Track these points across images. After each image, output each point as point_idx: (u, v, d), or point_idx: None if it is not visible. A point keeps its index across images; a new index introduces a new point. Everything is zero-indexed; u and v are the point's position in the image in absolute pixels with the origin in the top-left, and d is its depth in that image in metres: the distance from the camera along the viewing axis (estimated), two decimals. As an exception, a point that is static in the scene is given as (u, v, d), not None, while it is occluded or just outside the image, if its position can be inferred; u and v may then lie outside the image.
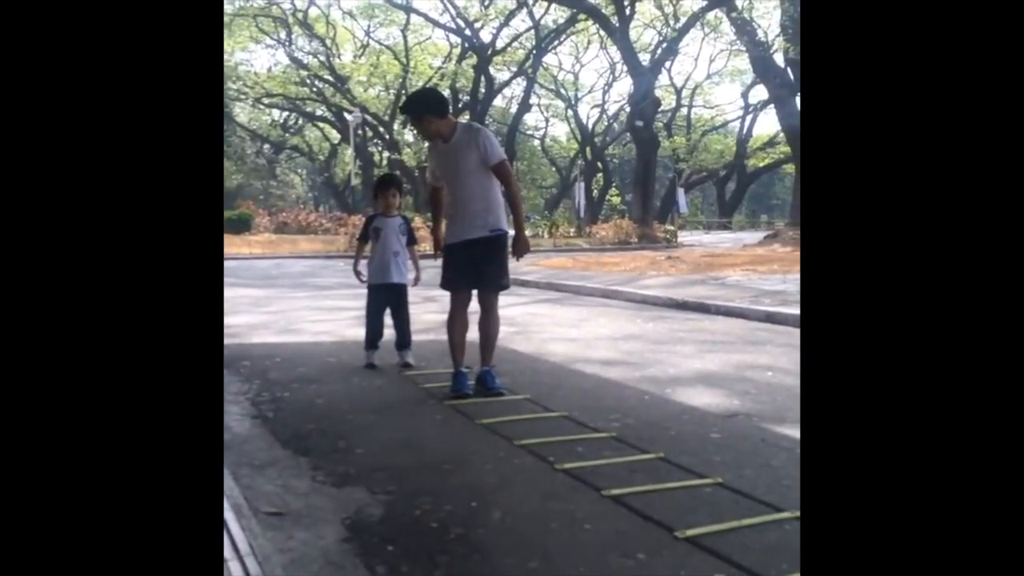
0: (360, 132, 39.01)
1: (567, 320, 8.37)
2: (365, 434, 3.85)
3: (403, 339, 5.69)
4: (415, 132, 41.84)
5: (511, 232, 4.76)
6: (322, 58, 39.11)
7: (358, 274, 5.90)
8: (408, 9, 36.85)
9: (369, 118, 38.78)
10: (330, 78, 38.53)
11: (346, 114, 36.97)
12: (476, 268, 4.63)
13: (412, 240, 5.82)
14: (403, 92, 41.20)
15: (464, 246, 4.62)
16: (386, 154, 40.08)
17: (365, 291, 5.83)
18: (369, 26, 41.55)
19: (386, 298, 5.68)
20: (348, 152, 38.91)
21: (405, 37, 39.23)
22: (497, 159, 4.60)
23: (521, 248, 4.70)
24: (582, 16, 30.96)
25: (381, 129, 40.93)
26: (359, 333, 7.37)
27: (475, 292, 4.76)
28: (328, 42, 39.22)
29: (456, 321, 4.74)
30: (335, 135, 46.26)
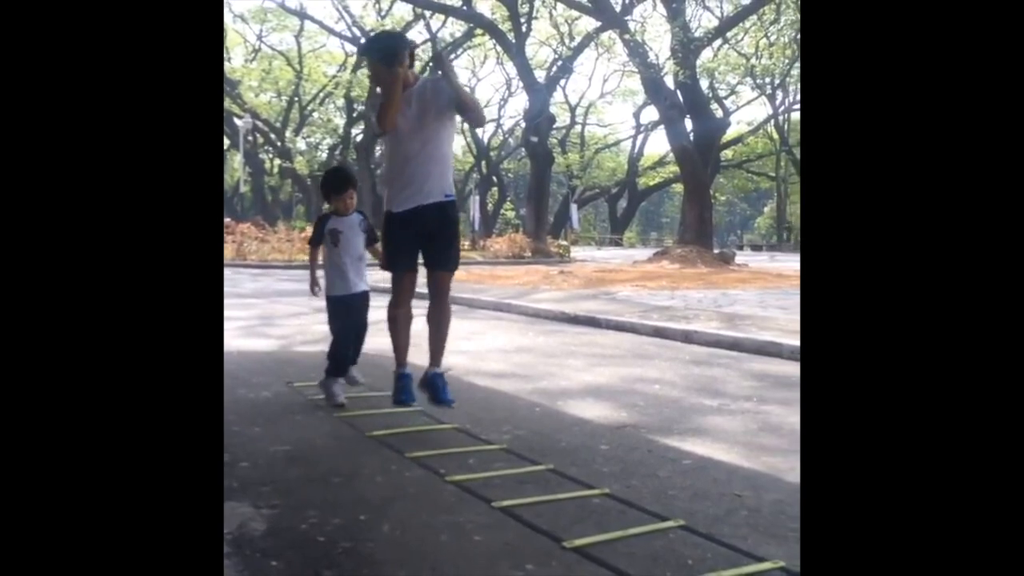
0: (250, 138, 38.12)
1: (460, 332, 8.35)
2: (250, 447, 3.74)
3: (354, 354, 4.93)
4: (306, 137, 40.75)
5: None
6: (211, 61, 38.03)
7: (316, 285, 5.09)
8: (302, 15, 36.26)
9: (260, 124, 37.92)
10: (220, 82, 37.51)
11: (236, 119, 36.07)
12: (427, 242, 3.96)
13: (373, 238, 4.85)
14: (296, 99, 40.55)
15: (414, 214, 3.91)
16: (277, 161, 39.24)
17: (249, 300, 5.65)
18: (261, 30, 40.77)
19: (354, 310, 4.86)
20: (237, 158, 37.90)
21: (299, 43, 38.63)
22: (463, 90, 3.99)
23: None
24: (479, 31, 31.17)
25: (272, 136, 40.10)
26: (245, 343, 7.19)
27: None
28: (218, 45, 38.18)
29: (400, 309, 4.05)
30: (224, 141, 45.04)
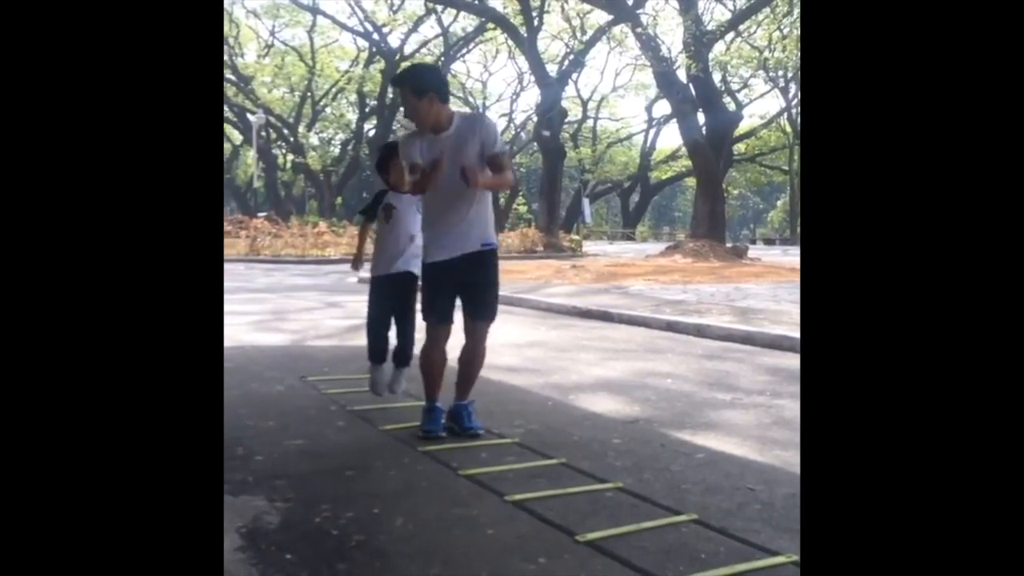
0: (263, 134, 38.23)
1: (472, 327, 8.36)
2: (264, 441, 3.76)
3: (405, 353, 4.52)
4: (319, 132, 40.58)
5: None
6: (224, 57, 38.17)
7: (359, 262, 4.74)
8: (315, 11, 36.36)
9: (273, 119, 38.05)
10: (232, 77, 37.63)
11: (249, 115, 36.21)
12: (464, 291, 3.88)
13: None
14: (309, 94, 40.64)
15: (454, 264, 3.78)
16: (290, 157, 39.33)
17: (262, 295, 5.65)
18: (274, 26, 40.92)
19: (396, 294, 4.43)
20: (250, 154, 38.05)
21: (311, 39, 38.73)
22: (500, 147, 3.82)
23: (472, 174, 3.59)
24: (491, 25, 31.12)
25: (285, 131, 40.21)
26: (258, 338, 7.22)
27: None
28: (231, 40, 38.32)
29: (434, 353, 3.94)
30: (237, 136, 45.13)
